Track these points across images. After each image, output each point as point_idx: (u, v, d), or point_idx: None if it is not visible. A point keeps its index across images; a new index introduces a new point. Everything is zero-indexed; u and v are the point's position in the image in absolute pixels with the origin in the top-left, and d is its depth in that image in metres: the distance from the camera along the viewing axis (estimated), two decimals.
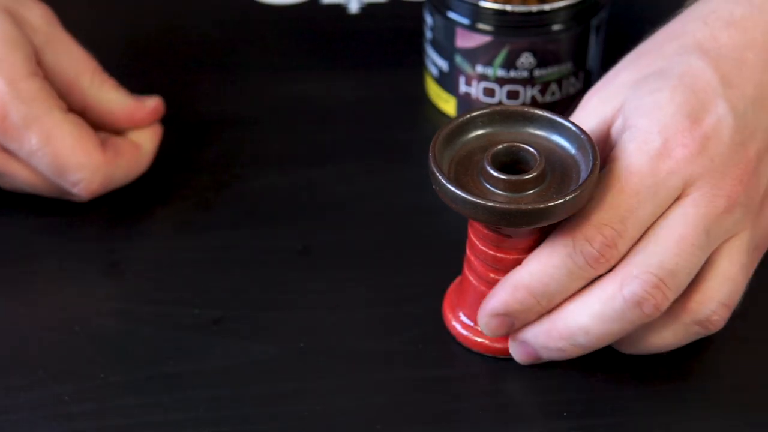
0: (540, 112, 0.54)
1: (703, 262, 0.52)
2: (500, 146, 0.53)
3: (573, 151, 0.53)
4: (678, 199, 0.52)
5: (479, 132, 0.54)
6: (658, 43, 0.57)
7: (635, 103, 0.54)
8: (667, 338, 0.54)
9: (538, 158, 0.52)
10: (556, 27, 0.65)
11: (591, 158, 0.51)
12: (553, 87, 0.67)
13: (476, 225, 0.54)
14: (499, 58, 0.66)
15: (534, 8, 0.64)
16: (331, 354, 0.57)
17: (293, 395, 0.56)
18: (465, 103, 0.69)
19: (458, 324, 0.57)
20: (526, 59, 0.66)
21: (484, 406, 0.55)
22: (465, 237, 0.56)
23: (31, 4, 0.63)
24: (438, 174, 0.51)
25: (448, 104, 0.70)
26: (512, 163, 0.53)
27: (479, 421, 0.54)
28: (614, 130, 0.55)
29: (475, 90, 0.68)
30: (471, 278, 0.56)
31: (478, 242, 0.54)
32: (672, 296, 0.51)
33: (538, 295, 0.53)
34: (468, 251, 0.56)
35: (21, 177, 0.62)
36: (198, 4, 0.80)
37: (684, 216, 0.52)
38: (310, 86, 0.73)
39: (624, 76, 0.56)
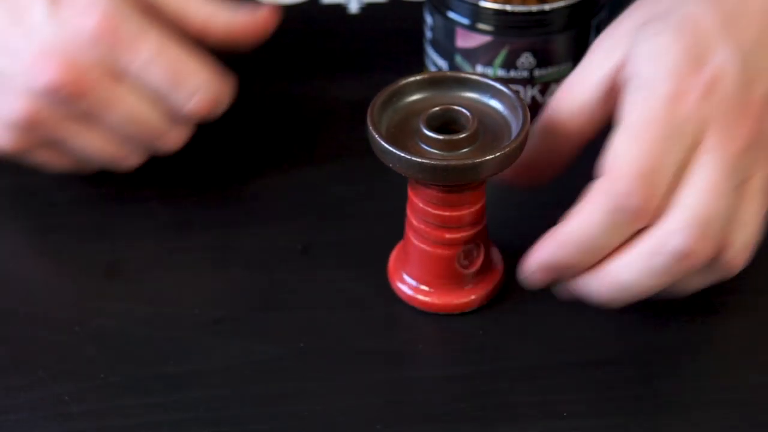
0: (473, 77, 0.57)
1: (735, 203, 0.53)
2: (435, 109, 0.56)
3: (505, 112, 0.56)
4: (698, 144, 0.52)
5: (415, 97, 0.58)
6: None
7: (638, 50, 0.54)
8: (696, 283, 0.55)
9: (471, 119, 0.55)
10: (555, 27, 0.65)
11: (521, 117, 0.55)
12: (554, 87, 0.67)
13: (416, 185, 0.57)
14: (499, 58, 0.66)
15: (534, 8, 0.64)
16: (331, 354, 0.57)
17: (293, 395, 0.56)
18: None
19: (403, 285, 0.59)
20: (526, 59, 0.66)
21: (484, 405, 0.55)
22: None
23: None
24: (376, 136, 0.54)
25: None
26: (447, 124, 0.56)
27: (479, 421, 0.54)
28: (622, 78, 0.55)
29: None
30: (413, 239, 0.58)
31: (419, 202, 0.57)
32: (714, 244, 0.52)
33: (584, 251, 0.53)
34: (408, 213, 0.58)
35: (125, 107, 0.58)
36: None
37: (707, 163, 0.52)
38: (310, 86, 0.73)
39: (627, 24, 0.56)
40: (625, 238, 0.53)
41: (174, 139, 0.61)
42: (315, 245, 0.63)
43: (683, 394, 0.55)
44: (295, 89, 0.73)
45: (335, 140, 0.69)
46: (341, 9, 0.79)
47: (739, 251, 0.54)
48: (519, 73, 0.66)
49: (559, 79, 0.67)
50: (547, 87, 0.67)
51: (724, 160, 0.52)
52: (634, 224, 0.52)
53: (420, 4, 0.72)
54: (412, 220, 0.58)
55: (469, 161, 0.53)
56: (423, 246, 0.58)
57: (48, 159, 0.61)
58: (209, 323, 0.59)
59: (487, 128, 0.56)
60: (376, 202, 0.65)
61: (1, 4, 0.58)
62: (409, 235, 0.58)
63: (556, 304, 0.59)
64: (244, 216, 0.65)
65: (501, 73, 0.66)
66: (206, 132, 0.70)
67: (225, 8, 0.61)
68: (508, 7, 0.64)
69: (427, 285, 0.59)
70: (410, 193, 0.57)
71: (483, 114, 0.56)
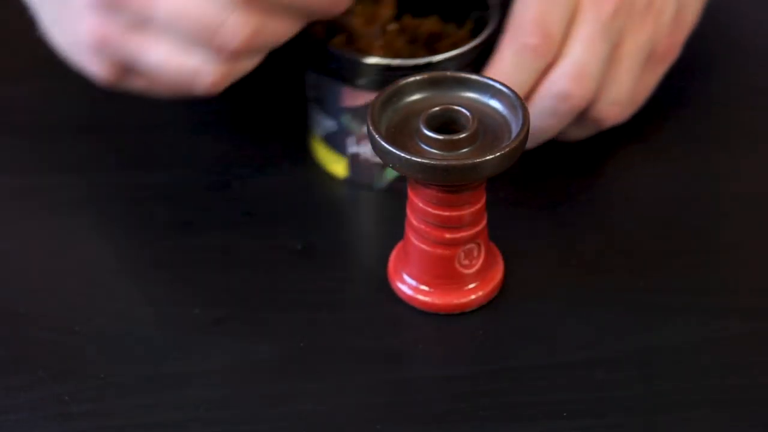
0: (473, 77, 0.57)
1: (609, 59, 0.62)
2: (435, 108, 0.56)
3: (505, 111, 0.57)
4: (579, 4, 0.62)
5: (415, 97, 0.57)
6: None
7: None
8: (580, 132, 0.65)
9: (471, 119, 0.55)
10: None
11: (521, 117, 0.55)
12: None
13: (416, 185, 0.57)
14: None
15: (422, 61, 0.61)
16: (331, 354, 0.57)
17: (293, 395, 0.56)
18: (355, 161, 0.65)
19: (403, 285, 0.59)
20: None
21: (484, 405, 0.55)
22: None
23: None
24: (376, 136, 0.54)
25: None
26: (447, 124, 0.56)
27: (479, 421, 0.54)
28: None
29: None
30: (413, 239, 0.58)
31: (419, 202, 0.57)
32: (590, 90, 0.61)
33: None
34: (408, 213, 0.58)
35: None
36: None
37: (585, 21, 0.61)
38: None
39: None
40: (534, 80, 0.61)
41: (233, 30, 0.57)
42: (315, 245, 0.63)
43: (683, 394, 0.55)
44: (295, 89, 0.73)
45: None
46: None
47: (612, 104, 0.63)
48: None
49: None
50: None
51: (598, 20, 0.61)
52: (536, 61, 0.61)
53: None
54: (412, 220, 0.58)
55: (469, 161, 0.53)
56: (423, 246, 0.58)
57: (138, 84, 0.60)
58: (209, 323, 0.59)
59: (487, 128, 0.56)
60: (376, 202, 0.65)
61: None
62: (409, 235, 0.58)
63: (556, 304, 0.59)
64: (244, 216, 0.65)
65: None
66: (206, 131, 0.70)
67: None
68: (394, 62, 0.61)
69: (427, 285, 0.59)
70: (410, 193, 0.57)
71: (483, 114, 0.56)
